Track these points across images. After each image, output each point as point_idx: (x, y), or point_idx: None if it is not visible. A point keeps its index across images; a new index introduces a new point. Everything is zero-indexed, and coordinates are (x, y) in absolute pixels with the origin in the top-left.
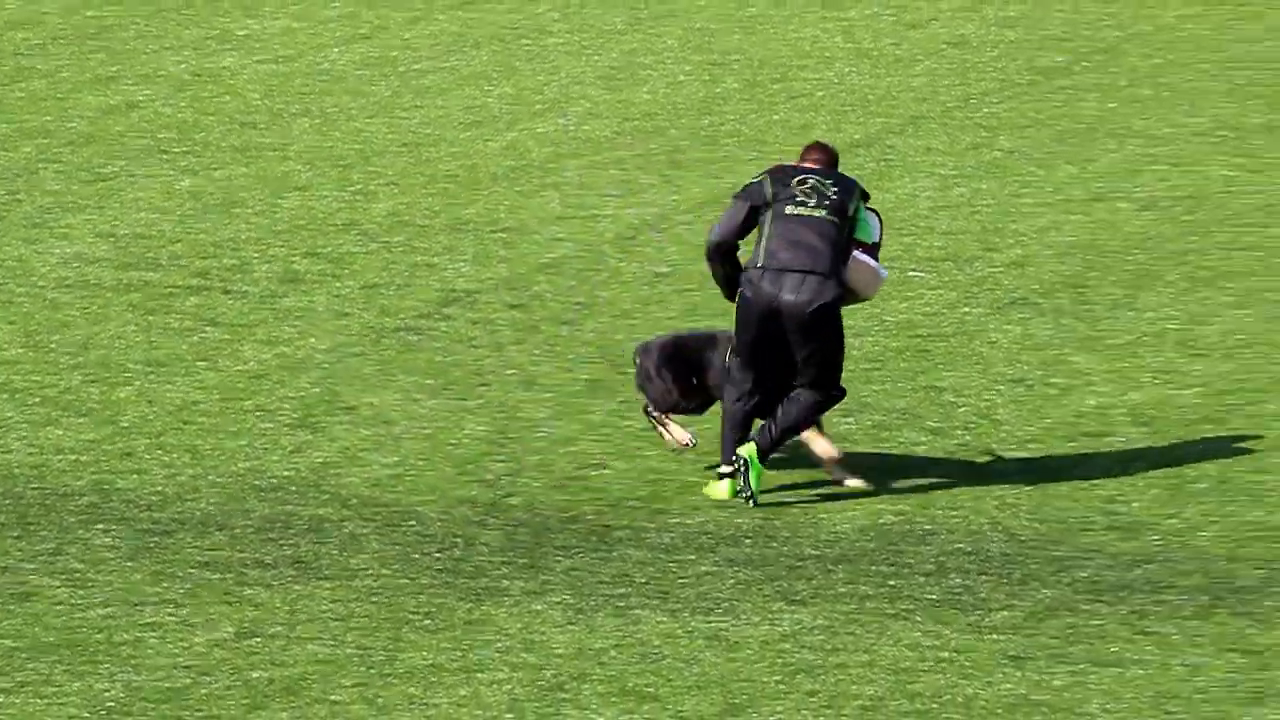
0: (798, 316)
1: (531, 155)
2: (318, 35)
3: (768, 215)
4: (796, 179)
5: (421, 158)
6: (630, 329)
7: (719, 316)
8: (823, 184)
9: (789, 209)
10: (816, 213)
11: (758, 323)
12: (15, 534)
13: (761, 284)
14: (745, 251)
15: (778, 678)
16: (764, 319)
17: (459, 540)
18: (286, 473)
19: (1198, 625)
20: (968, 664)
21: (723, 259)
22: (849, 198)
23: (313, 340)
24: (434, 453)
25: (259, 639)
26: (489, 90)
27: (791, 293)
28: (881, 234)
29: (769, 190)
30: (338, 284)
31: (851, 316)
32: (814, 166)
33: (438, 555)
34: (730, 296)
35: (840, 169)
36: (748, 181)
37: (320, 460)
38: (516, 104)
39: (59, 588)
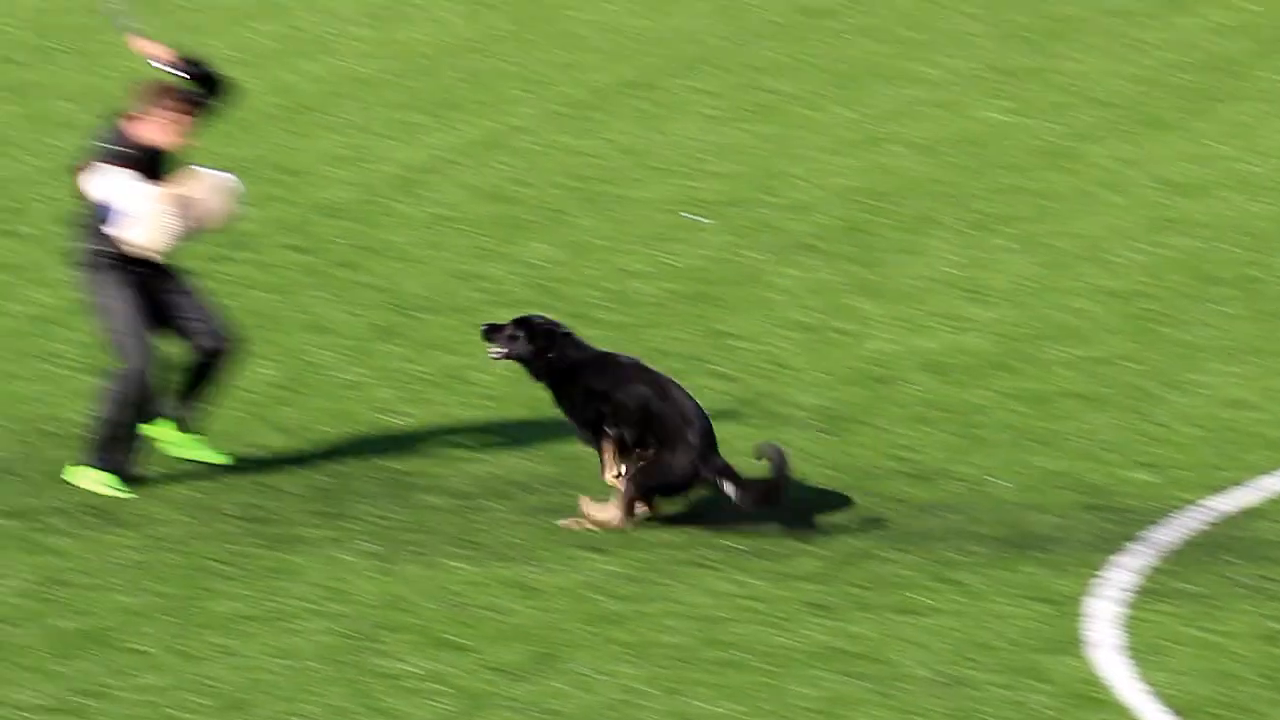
0: None
1: (303, 95)
2: None
3: None
4: None
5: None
6: (416, 273)
7: (500, 260)
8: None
9: None
10: None
11: None
12: None
13: None
14: None
15: (587, 626)
16: None
17: (261, 487)
18: (79, 418)
19: (999, 574)
20: (774, 613)
21: None
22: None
23: None
24: (226, 398)
25: (63, 588)
26: (255, 28)
27: None
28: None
29: None
30: None
31: (637, 260)
32: None
33: (237, 503)
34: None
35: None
36: None
37: None
38: (283, 42)
39: None
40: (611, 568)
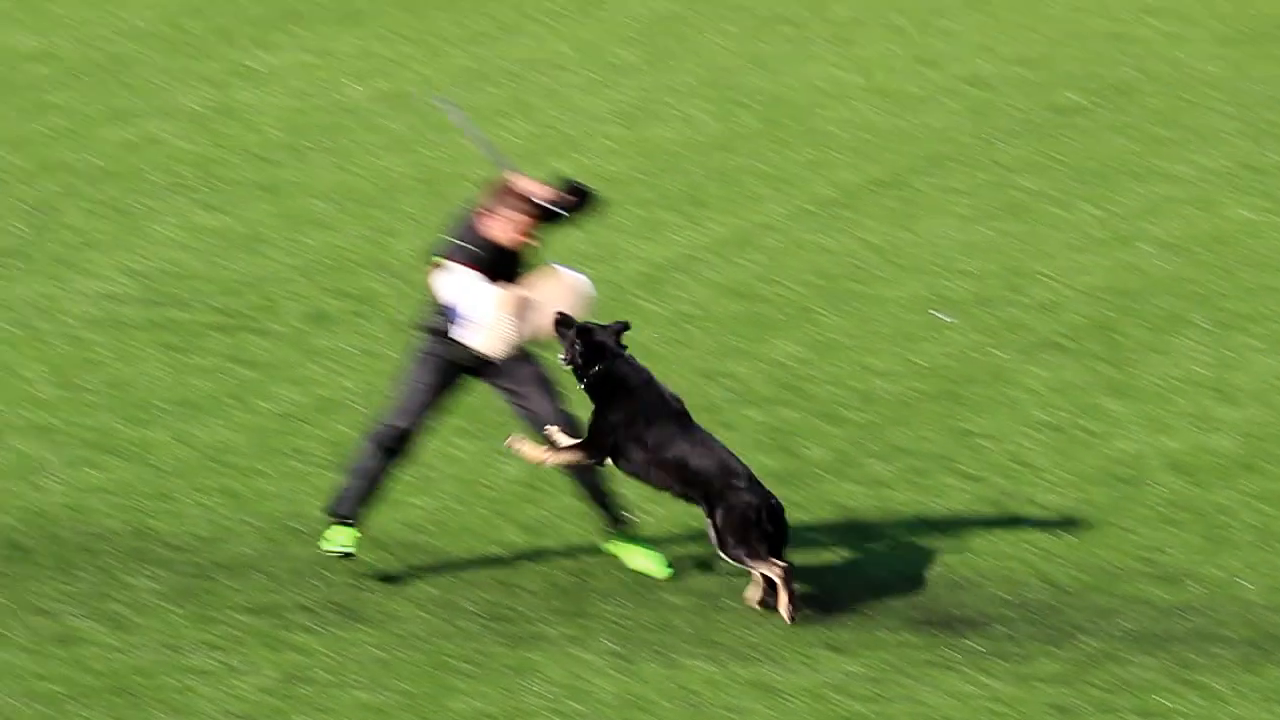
0: None
1: None
2: (333, 70)
3: None
4: None
5: (442, 195)
6: (659, 370)
7: (745, 359)
8: None
9: None
10: None
11: None
12: (57, 577)
13: None
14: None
15: None
16: None
17: (500, 585)
18: (324, 516)
19: (1244, 677)
20: (1015, 715)
21: None
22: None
23: (343, 380)
24: (471, 496)
25: (305, 685)
26: (507, 126)
27: None
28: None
29: None
30: (365, 323)
31: (881, 359)
32: None
33: (478, 600)
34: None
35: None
36: None
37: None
38: (534, 140)
39: (102, 631)
40: (852, 668)
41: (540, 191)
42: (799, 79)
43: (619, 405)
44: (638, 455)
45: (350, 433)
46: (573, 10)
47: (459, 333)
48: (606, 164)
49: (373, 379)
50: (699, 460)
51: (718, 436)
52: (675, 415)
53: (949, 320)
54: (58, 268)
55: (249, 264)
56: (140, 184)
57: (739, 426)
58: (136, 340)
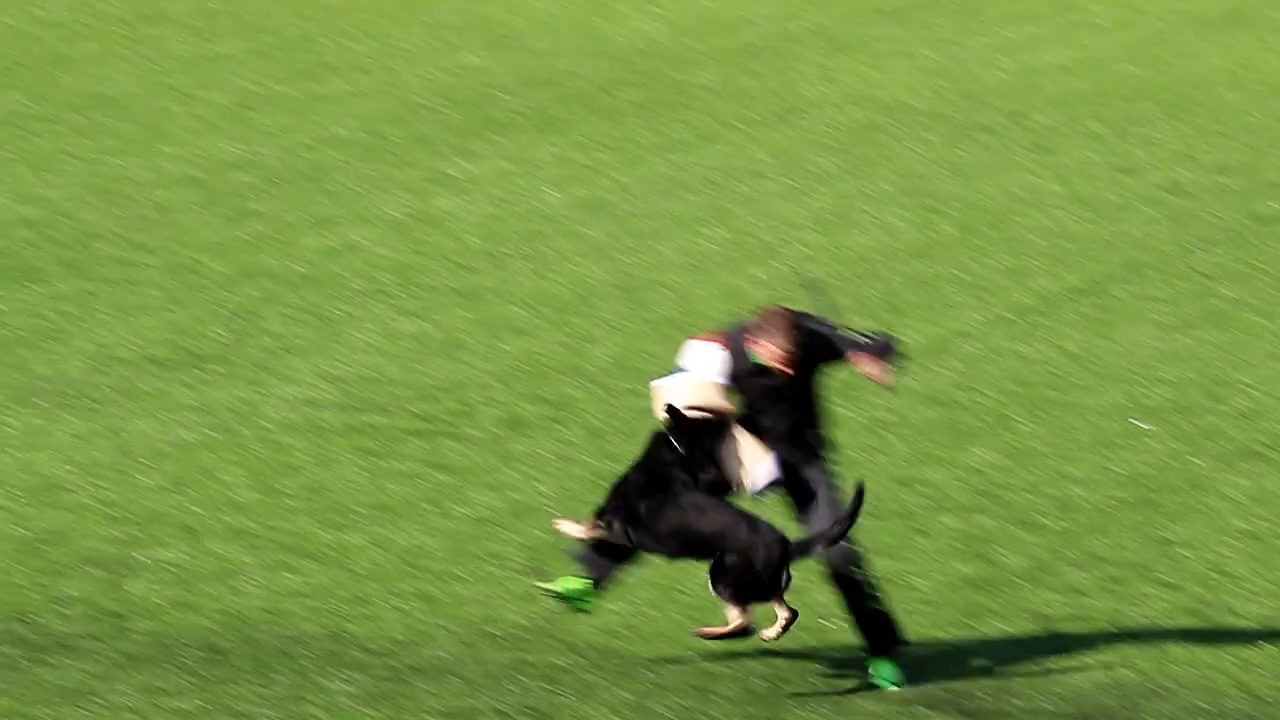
0: None
1: (749, 299)
2: (532, 178)
3: None
4: None
5: (639, 301)
6: (855, 477)
7: (941, 466)
8: None
9: None
10: None
11: None
12: (254, 680)
13: None
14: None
15: None
16: None
17: (694, 690)
18: (519, 620)
19: None
20: None
21: None
22: None
23: (539, 485)
24: (666, 601)
25: None
26: (704, 234)
27: None
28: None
29: None
30: (561, 429)
31: (1079, 467)
32: None
33: (671, 705)
34: None
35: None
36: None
37: (552, 607)
38: (732, 247)
39: None
40: None
41: (879, 375)
42: (997, 186)
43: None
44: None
45: (546, 538)
46: (771, 118)
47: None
48: (803, 270)
49: (569, 484)
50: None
51: (914, 544)
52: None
53: (1147, 428)
54: (257, 373)
55: (446, 369)
56: (340, 290)
57: (935, 534)
58: (334, 445)
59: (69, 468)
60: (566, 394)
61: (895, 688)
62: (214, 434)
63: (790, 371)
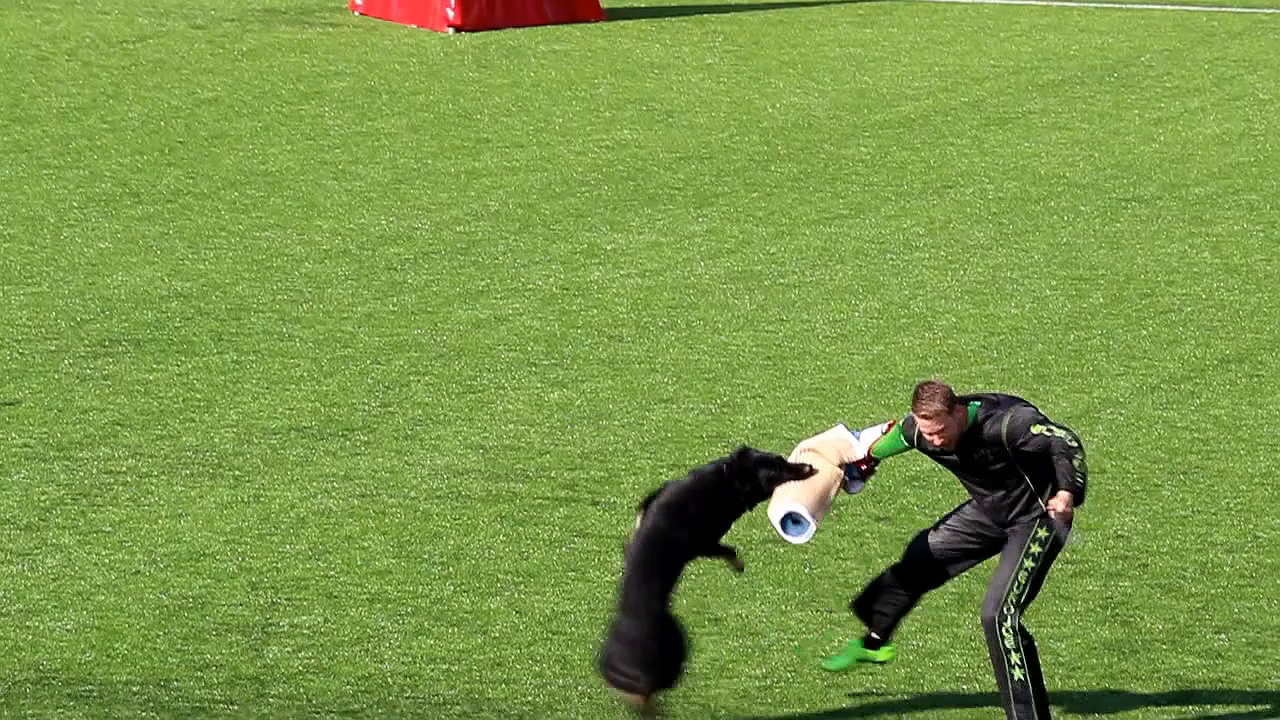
0: None
1: (897, 369)
2: (684, 250)
3: None
4: None
5: (787, 370)
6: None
7: (1085, 531)
8: None
9: None
10: None
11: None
12: None
13: None
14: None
15: None
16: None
17: None
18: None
19: None
20: None
21: None
22: None
23: None
24: (802, 664)
25: None
26: (854, 304)
27: None
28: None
29: None
30: None
31: (1224, 532)
32: None
33: None
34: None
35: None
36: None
37: (687, 672)
38: (882, 318)
39: None
40: None
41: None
42: (1150, 257)
43: None
44: None
45: (683, 603)
46: (924, 191)
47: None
48: (953, 340)
49: None
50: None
51: (1055, 608)
52: None
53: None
54: (403, 442)
55: (591, 438)
56: (488, 361)
57: (1075, 598)
58: (477, 513)
59: (213, 535)
60: (710, 460)
61: None
62: (357, 502)
63: (942, 443)
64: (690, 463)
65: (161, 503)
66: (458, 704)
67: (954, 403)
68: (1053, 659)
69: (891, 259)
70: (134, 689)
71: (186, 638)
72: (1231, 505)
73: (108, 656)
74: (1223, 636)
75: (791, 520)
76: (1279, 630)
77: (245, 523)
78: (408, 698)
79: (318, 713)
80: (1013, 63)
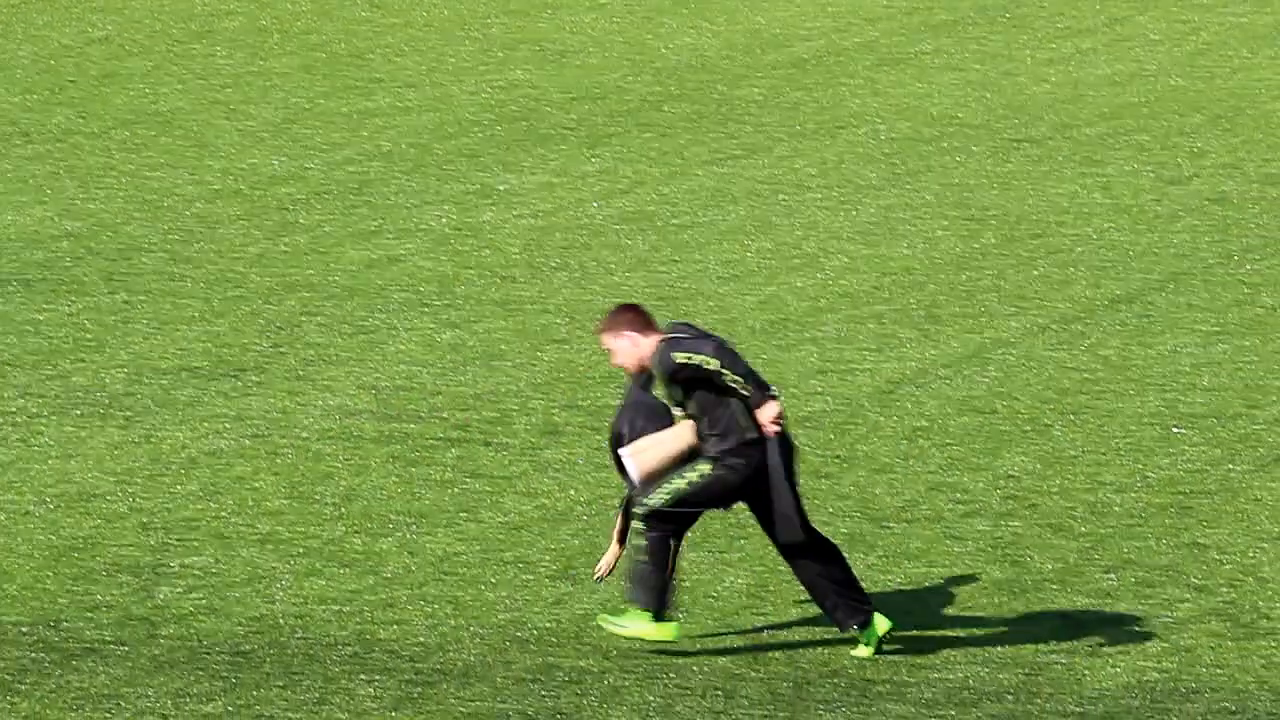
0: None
1: (789, 309)
2: (577, 190)
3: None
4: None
5: (679, 311)
6: (889, 483)
7: (975, 472)
8: None
9: None
10: None
11: (741, 486)
12: (280, 683)
13: (756, 451)
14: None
15: None
16: (753, 479)
17: (719, 693)
18: (547, 624)
19: None
20: None
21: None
22: None
23: (573, 492)
24: (694, 605)
25: None
26: (746, 245)
27: (772, 454)
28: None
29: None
30: (597, 436)
31: (1113, 473)
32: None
33: (700, 709)
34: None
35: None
36: (731, 351)
37: (581, 612)
38: (774, 258)
39: None
40: None
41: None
42: (1042, 198)
43: None
44: None
45: (576, 543)
46: (817, 131)
47: None
48: (845, 280)
49: (602, 491)
50: None
51: (946, 548)
52: None
53: (1179, 432)
54: (295, 383)
55: (484, 378)
56: (380, 301)
57: (966, 538)
58: (369, 453)
59: (103, 476)
60: (603, 402)
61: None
62: (249, 442)
63: (622, 367)
64: (583, 404)
65: (51, 443)
66: (349, 645)
67: (623, 329)
68: (943, 598)
69: (784, 199)
70: (23, 630)
71: (76, 578)
72: (1120, 445)
73: None
74: (1111, 576)
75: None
76: (1167, 570)
77: (136, 463)
78: (299, 638)
79: (208, 653)
80: (906, 3)
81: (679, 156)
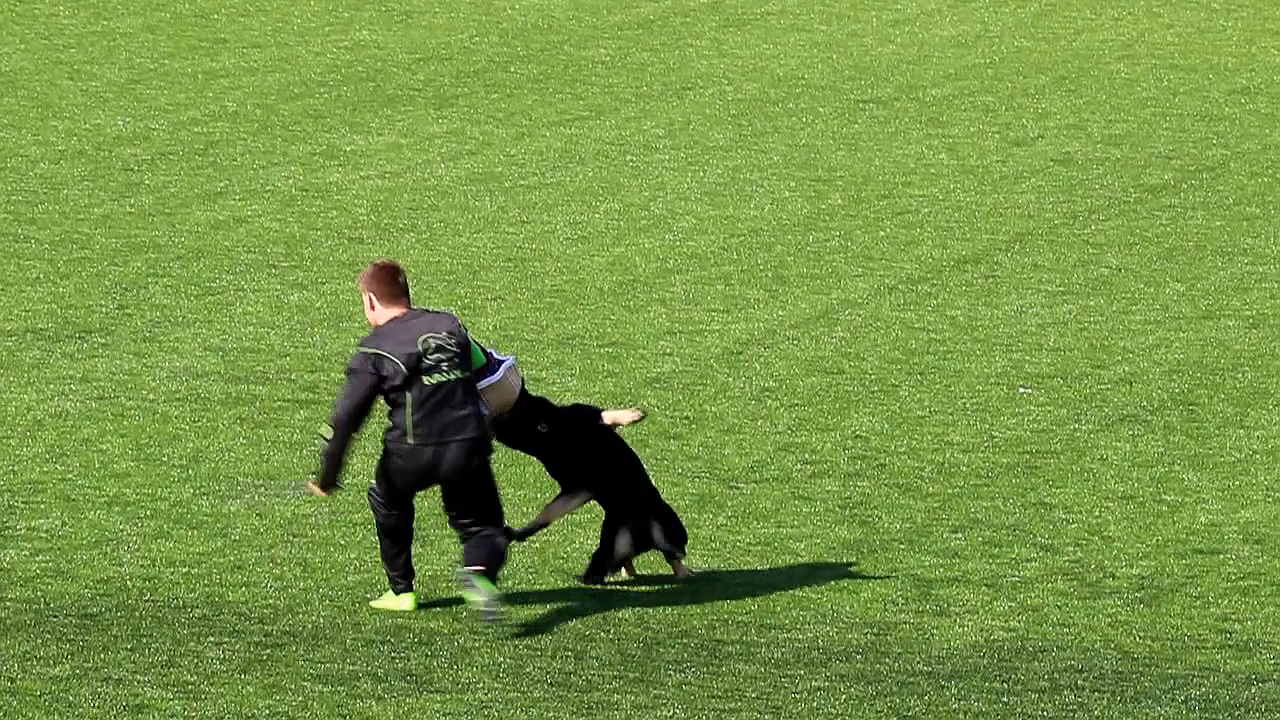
0: (460, 475)
1: (638, 270)
2: (424, 151)
3: (408, 391)
4: (422, 344)
5: (527, 272)
6: (738, 444)
7: (823, 432)
8: (445, 341)
9: (429, 380)
10: (452, 375)
11: (415, 481)
12: (128, 646)
13: (420, 455)
14: None
15: None
16: (423, 478)
17: (570, 653)
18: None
19: None
20: None
21: (346, 437)
22: (465, 341)
23: None
24: (543, 565)
25: None
26: (594, 206)
27: (455, 460)
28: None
29: (399, 365)
30: None
31: (960, 432)
32: (420, 317)
33: (549, 669)
34: (333, 473)
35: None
36: (363, 352)
37: (430, 573)
38: (622, 219)
39: (171, 700)
40: None
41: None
42: (887, 158)
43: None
44: None
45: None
46: (664, 91)
47: None
48: (693, 241)
49: None
50: None
51: (794, 509)
52: None
53: (1025, 392)
54: (141, 345)
55: (332, 340)
56: (227, 263)
57: (814, 498)
58: (217, 415)
59: None
60: None
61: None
62: (95, 404)
63: None
64: None
65: None
66: (198, 607)
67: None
68: (792, 559)
69: (631, 160)
70: None
71: None
72: (968, 405)
73: None
74: (959, 535)
75: None
76: (1014, 529)
77: None
78: (147, 601)
79: (55, 616)
80: None
81: (526, 117)
